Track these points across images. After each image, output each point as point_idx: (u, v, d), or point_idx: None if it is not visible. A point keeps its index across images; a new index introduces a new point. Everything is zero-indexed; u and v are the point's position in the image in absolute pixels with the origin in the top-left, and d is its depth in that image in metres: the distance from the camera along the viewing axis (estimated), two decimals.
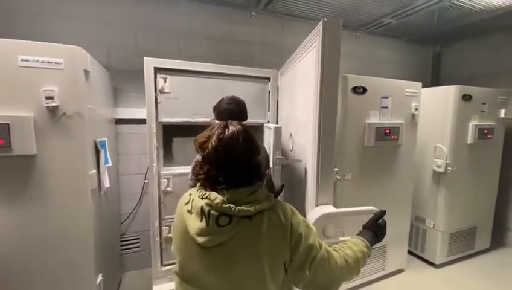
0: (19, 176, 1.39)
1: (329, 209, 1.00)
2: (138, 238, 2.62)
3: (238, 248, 0.76)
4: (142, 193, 2.55)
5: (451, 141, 2.67)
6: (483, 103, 2.82)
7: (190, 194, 0.85)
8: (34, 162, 1.40)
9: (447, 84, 2.73)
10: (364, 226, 1.00)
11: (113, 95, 2.33)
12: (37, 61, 1.36)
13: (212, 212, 0.75)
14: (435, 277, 2.71)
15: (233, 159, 0.80)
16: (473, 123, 2.74)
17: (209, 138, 0.81)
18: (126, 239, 2.57)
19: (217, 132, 0.81)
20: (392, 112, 2.38)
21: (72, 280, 1.52)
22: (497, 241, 3.27)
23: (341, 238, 1.04)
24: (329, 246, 0.88)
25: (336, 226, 1.03)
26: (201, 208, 0.77)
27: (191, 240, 0.78)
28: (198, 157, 0.87)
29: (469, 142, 2.75)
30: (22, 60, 1.34)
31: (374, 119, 2.30)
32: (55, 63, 1.39)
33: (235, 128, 0.81)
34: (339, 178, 2.17)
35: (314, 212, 0.97)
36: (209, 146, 0.80)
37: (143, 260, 2.59)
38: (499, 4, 2.56)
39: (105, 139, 1.79)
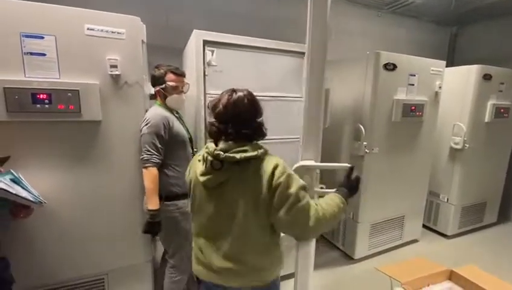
0: (85, 141, 1.48)
1: (308, 162, 1.13)
2: None
3: (230, 188, 0.96)
4: None
5: (469, 119, 2.79)
6: (502, 83, 2.91)
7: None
8: (99, 128, 1.49)
9: (462, 65, 2.81)
10: (339, 184, 1.11)
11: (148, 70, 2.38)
12: (102, 30, 1.42)
13: (208, 157, 0.96)
14: (447, 246, 2.91)
15: (238, 115, 0.96)
16: (491, 102, 2.85)
17: (219, 100, 0.99)
18: None
19: (226, 95, 0.99)
20: (418, 90, 2.47)
21: (130, 241, 1.65)
22: (503, 216, 3.47)
23: (318, 189, 1.18)
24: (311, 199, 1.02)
25: (314, 178, 1.17)
26: (203, 155, 1.00)
27: (198, 181, 1.01)
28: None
29: (486, 120, 2.87)
30: (88, 29, 1.39)
31: (402, 95, 2.39)
32: (118, 32, 1.45)
33: (241, 92, 0.99)
34: (367, 151, 2.29)
35: (295, 165, 1.12)
36: (220, 107, 0.97)
37: None
38: None
39: None
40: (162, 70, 1.56)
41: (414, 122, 2.53)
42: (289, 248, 2.22)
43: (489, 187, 3.19)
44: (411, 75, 2.41)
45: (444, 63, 2.62)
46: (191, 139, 1.69)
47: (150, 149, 1.46)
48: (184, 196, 1.55)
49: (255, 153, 0.94)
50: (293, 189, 0.92)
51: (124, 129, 1.55)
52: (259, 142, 1.02)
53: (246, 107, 0.97)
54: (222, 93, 1.01)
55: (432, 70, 2.53)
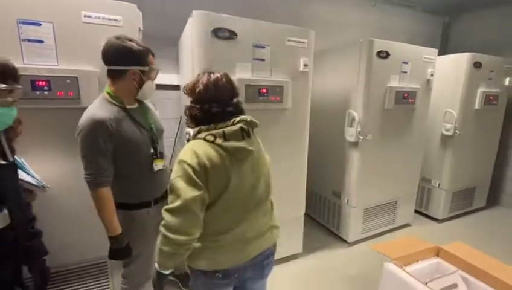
0: None
1: None
2: None
3: (257, 154, 1.07)
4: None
5: (460, 106, 2.87)
6: (491, 71, 2.98)
7: (206, 142, 0.96)
8: None
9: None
10: None
11: None
12: (98, 17, 1.43)
13: (243, 126, 0.99)
14: (437, 230, 3.03)
15: (221, 94, 1.00)
16: (481, 90, 2.93)
17: (198, 81, 1.01)
18: None
19: (205, 76, 1.01)
20: (410, 77, 2.53)
21: None
22: (492, 201, 3.60)
23: None
24: None
25: None
26: (241, 129, 0.98)
27: (227, 161, 0.96)
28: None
29: (476, 107, 2.95)
30: (84, 16, 1.40)
31: (395, 83, 2.44)
32: (115, 20, 1.46)
33: (218, 74, 1.03)
34: (361, 138, 2.35)
35: None
36: (200, 86, 0.99)
37: None
38: None
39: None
40: (143, 47, 1.20)
41: (407, 109, 2.59)
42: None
43: (479, 173, 3.30)
44: (404, 62, 2.46)
45: (436, 51, 2.67)
46: (154, 138, 1.30)
47: (91, 167, 1.14)
48: (142, 205, 1.30)
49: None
50: None
51: None
52: None
53: (225, 86, 1.02)
54: (199, 75, 1.04)
55: (424, 58, 2.59)
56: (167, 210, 0.93)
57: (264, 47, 1.79)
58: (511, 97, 3.32)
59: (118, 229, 1.20)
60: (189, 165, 0.92)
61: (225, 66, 1.53)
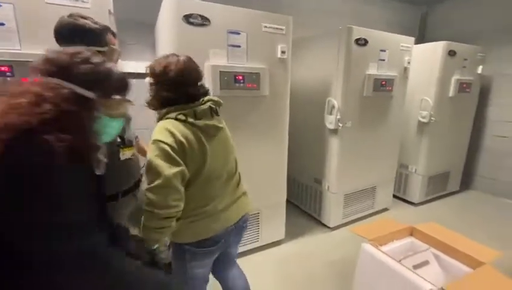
0: None
1: None
2: None
3: (225, 130, 1.17)
4: None
5: (435, 94, 2.96)
6: (465, 59, 3.09)
7: (177, 121, 1.00)
8: None
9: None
10: None
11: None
12: None
13: (212, 106, 1.07)
14: (414, 213, 3.16)
15: (193, 77, 1.04)
16: (455, 77, 3.03)
17: (169, 64, 0.99)
18: None
19: (174, 58, 1.01)
20: (388, 65, 2.58)
21: None
22: (465, 185, 3.78)
23: None
24: None
25: None
26: (210, 108, 1.05)
27: (203, 136, 1.03)
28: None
29: (450, 95, 3.06)
30: None
31: (373, 70, 2.48)
32: (82, 1, 1.39)
33: (183, 56, 1.04)
34: (341, 125, 2.39)
35: None
36: (173, 68, 0.99)
37: None
38: None
39: None
40: (100, 25, 1.10)
41: (385, 96, 2.65)
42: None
43: (453, 158, 3.45)
44: (382, 50, 2.50)
45: (412, 39, 2.73)
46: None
47: None
48: (108, 198, 1.17)
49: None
50: None
51: None
52: None
53: (195, 68, 1.06)
54: (164, 57, 1.03)
55: (401, 46, 2.64)
56: (149, 189, 0.94)
57: (239, 33, 1.76)
58: (483, 85, 3.47)
59: None
60: (166, 143, 0.94)
61: (198, 53, 1.49)
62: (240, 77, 1.80)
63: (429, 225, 1.75)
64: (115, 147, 1.18)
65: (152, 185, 0.93)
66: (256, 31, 1.84)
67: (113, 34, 1.17)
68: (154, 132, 0.98)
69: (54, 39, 1.32)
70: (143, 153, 1.43)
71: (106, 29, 1.13)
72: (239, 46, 1.79)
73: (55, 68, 0.66)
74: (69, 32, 1.07)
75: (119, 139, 1.21)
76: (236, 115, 1.85)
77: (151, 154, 0.94)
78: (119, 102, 0.80)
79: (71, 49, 0.70)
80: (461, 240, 1.56)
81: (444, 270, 1.50)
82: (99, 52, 1.06)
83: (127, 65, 2.38)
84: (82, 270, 0.62)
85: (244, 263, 1.51)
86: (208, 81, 1.74)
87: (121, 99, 0.81)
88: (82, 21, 1.07)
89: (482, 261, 1.34)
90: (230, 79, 1.76)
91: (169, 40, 1.65)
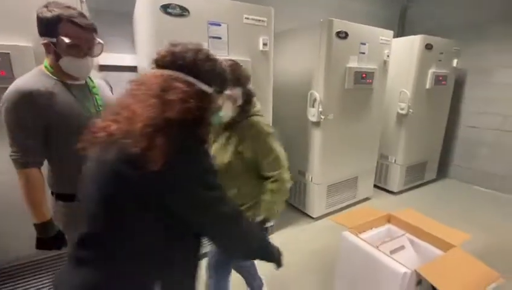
0: None
1: None
2: None
3: None
4: None
5: (413, 86, 3.06)
6: (441, 53, 3.20)
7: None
8: None
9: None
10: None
11: None
12: None
13: None
14: (394, 201, 3.29)
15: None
16: (431, 70, 3.14)
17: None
18: None
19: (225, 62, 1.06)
20: (368, 58, 2.63)
21: None
22: (441, 174, 3.96)
23: None
24: None
25: None
26: None
27: None
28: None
29: (427, 87, 3.17)
30: None
31: (353, 63, 2.53)
32: None
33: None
34: (323, 118, 2.42)
35: None
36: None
37: None
38: None
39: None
40: (54, 13, 0.98)
41: (365, 89, 2.71)
42: None
43: (430, 148, 3.60)
44: (362, 43, 2.54)
45: (391, 32, 2.79)
46: None
47: (12, 145, 1.02)
48: (68, 197, 1.14)
49: None
50: None
51: None
52: None
53: None
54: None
55: (381, 39, 2.69)
56: (285, 171, 1.21)
57: (219, 24, 1.74)
58: (458, 78, 3.61)
59: (44, 217, 1.08)
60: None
61: None
62: None
63: (405, 211, 1.82)
64: None
65: (286, 166, 1.21)
66: (238, 23, 1.82)
67: (74, 23, 1.01)
68: (261, 126, 1.17)
69: (22, 28, 1.28)
70: None
71: (62, 17, 0.99)
72: (220, 38, 1.76)
73: (181, 62, 0.70)
74: (37, 23, 1.01)
75: None
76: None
77: (276, 145, 1.19)
78: (224, 96, 0.86)
79: (192, 44, 0.74)
80: (434, 225, 1.64)
81: (419, 254, 1.58)
82: (53, 44, 1.00)
83: (105, 58, 2.30)
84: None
85: None
86: None
87: (226, 94, 0.90)
88: (42, 10, 1.00)
89: (452, 244, 1.42)
90: None
91: (147, 31, 1.60)
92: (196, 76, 0.70)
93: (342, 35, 2.36)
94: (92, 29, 1.07)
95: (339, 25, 2.33)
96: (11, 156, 1.03)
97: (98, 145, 0.67)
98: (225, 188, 0.76)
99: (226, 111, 1.08)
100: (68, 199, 1.14)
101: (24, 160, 1.03)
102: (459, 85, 3.69)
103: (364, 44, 2.56)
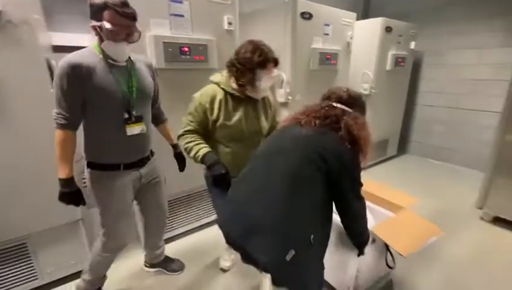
0: None
1: None
2: None
3: None
4: None
5: (375, 67, 3.23)
6: (400, 35, 3.38)
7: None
8: None
9: None
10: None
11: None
12: None
13: None
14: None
15: None
16: (391, 52, 3.32)
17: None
18: None
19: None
20: (332, 39, 2.71)
21: (51, 202, 1.55)
22: (401, 150, 4.29)
23: None
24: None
25: None
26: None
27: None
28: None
29: (388, 68, 3.36)
30: None
31: (318, 44, 2.60)
32: None
33: None
34: (290, 98, 2.49)
35: None
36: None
37: None
38: None
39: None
40: (101, 0, 1.12)
41: (330, 70, 2.81)
42: None
43: (391, 126, 3.87)
44: (326, 25, 2.61)
45: (354, 14, 2.89)
46: (130, 101, 1.27)
47: (56, 107, 1.17)
48: (111, 166, 1.32)
49: None
50: None
51: (18, 85, 1.36)
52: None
53: None
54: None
55: (344, 21, 2.78)
56: None
57: (181, 2, 1.70)
58: (415, 59, 3.86)
59: (67, 174, 1.23)
60: None
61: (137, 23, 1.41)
62: (186, 49, 1.75)
63: (365, 181, 1.98)
64: (121, 121, 1.26)
65: None
66: (200, 0, 1.79)
67: (117, 12, 1.13)
68: None
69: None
70: None
71: (108, 5, 1.11)
72: (182, 16, 1.73)
73: (352, 101, 1.17)
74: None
75: (126, 115, 1.27)
76: (183, 88, 1.81)
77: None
78: None
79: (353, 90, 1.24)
80: (388, 191, 1.81)
81: (376, 218, 1.74)
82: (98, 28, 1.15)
83: (61, 37, 2.14)
84: None
85: None
86: (150, 53, 1.66)
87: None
88: None
89: (402, 206, 1.59)
90: (175, 51, 1.71)
91: None
92: (354, 108, 1.17)
93: (306, 16, 2.41)
94: (132, 18, 1.18)
95: (303, 5, 2.37)
96: (53, 116, 1.18)
97: None
98: None
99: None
100: (94, 167, 1.31)
101: (62, 122, 1.17)
102: (416, 66, 3.94)
103: (328, 25, 2.63)
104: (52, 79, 1.49)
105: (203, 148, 1.33)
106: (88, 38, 2.24)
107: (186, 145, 1.35)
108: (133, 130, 1.29)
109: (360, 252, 1.31)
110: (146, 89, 1.35)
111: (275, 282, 0.95)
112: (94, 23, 1.14)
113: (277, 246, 0.91)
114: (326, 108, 1.10)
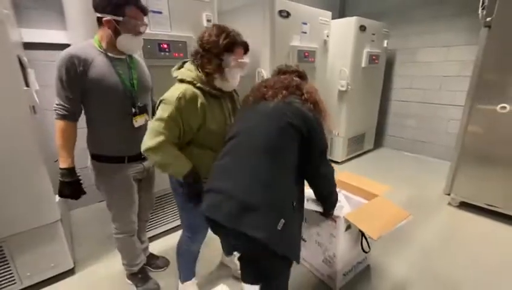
0: None
1: None
2: None
3: None
4: None
5: (351, 65, 3.36)
6: (373, 34, 3.54)
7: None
8: None
9: None
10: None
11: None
12: None
13: None
14: (338, 169, 3.65)
15: None
16: (366, 50, 3.47)
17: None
18: None
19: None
20: (310, 37, 2.80)
21: (28, 204, 1.51)
22: (377, 143, 4.49)
23: None
24: None
25: None
26: None
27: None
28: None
29: (363, 65, 3.51)
30: None
31: (296, 42, 2.68)
32: None
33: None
34: None
35: None
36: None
37: None
38: None
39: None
40: None
41: (308, 67, 2.89)
42: None
43: (367, 121, 4.04)
44: (303, 23, 2.69)
45: (330, 13, 2.99)
46: (132, 93, 1.31)
47: (57, 98, 1.21)
48: (113, 159, 1.35)
49: None
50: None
51: None
52: None
53: None
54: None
55: (320, 20, 2.88)
56: None
57: None
58: (388, 57, 4.05)
59: (67, 164, 1.25)
60: None
61: None
62: (165, 46, 1.76)
63: (343, 173, 2.09)
64: (127, 113, 1.31)
65: None
66: None
67: (140, 8, 1.23)
68: None
69: None
70: None
71: (127, 1, 1.18)
72: (160, 13, 1.73)
73: (302, 74, 1.44)
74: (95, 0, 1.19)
75: (132, 109, 1.31)
76: (162, 86, 1.81)
77: None
78: None
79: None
80: (365, 181, 1.92)
81: (352, 206, 1.84)
82: (116, 22, 1.19)
83: (31, 34, 2.07)
84: None
85: None
86: None
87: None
88: None
89: (376, 194, 1.69)
90: (153, 47, 1.71)
91: (76, 5, 1.50)
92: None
93: (284, 14, 2.47)
94: (147, 12, 1.28)
95: (281, 4, 2.43)
96: (54, 106, 1.21)
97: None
98: None
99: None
100: (98, 159, 1.35)
101: (62, 113, 1.20)
102: (389, 64, 4.14)
103: (306, 24, 2.71)
104: (25, 77, 1.45)
105: (185, 165, 1.17)
106: (63, 34, 2.19)
107: (162, 162, 1.14)
108: (139, 121, 1.34)
109: (329, 214, 1.45)
110: (146, 81, 1.42)
111: (244, 279, 1.13)
112: (112, 17, 1.18)
113: (270, 218, 0.97)
114: (287, 80, 1.20)
